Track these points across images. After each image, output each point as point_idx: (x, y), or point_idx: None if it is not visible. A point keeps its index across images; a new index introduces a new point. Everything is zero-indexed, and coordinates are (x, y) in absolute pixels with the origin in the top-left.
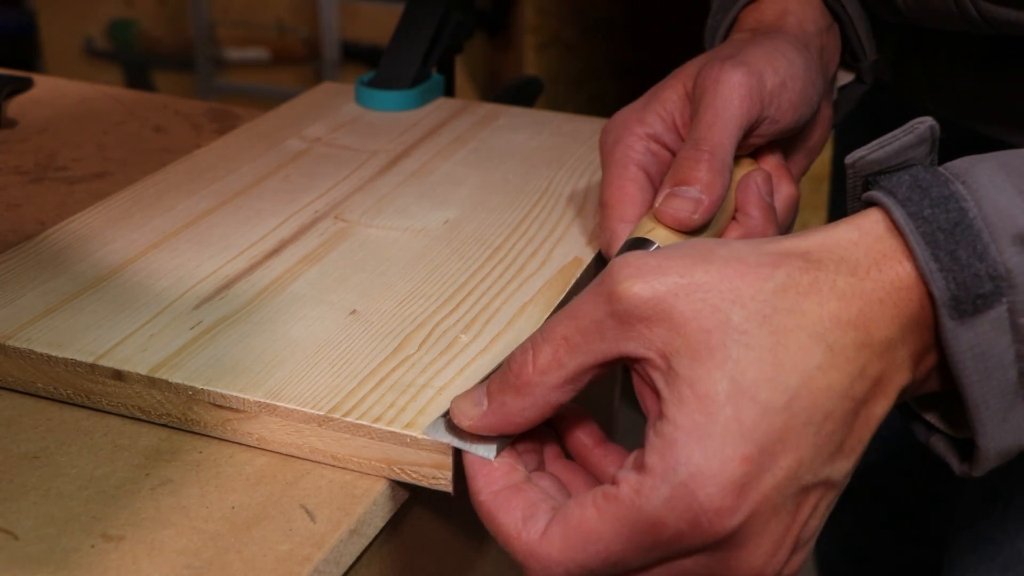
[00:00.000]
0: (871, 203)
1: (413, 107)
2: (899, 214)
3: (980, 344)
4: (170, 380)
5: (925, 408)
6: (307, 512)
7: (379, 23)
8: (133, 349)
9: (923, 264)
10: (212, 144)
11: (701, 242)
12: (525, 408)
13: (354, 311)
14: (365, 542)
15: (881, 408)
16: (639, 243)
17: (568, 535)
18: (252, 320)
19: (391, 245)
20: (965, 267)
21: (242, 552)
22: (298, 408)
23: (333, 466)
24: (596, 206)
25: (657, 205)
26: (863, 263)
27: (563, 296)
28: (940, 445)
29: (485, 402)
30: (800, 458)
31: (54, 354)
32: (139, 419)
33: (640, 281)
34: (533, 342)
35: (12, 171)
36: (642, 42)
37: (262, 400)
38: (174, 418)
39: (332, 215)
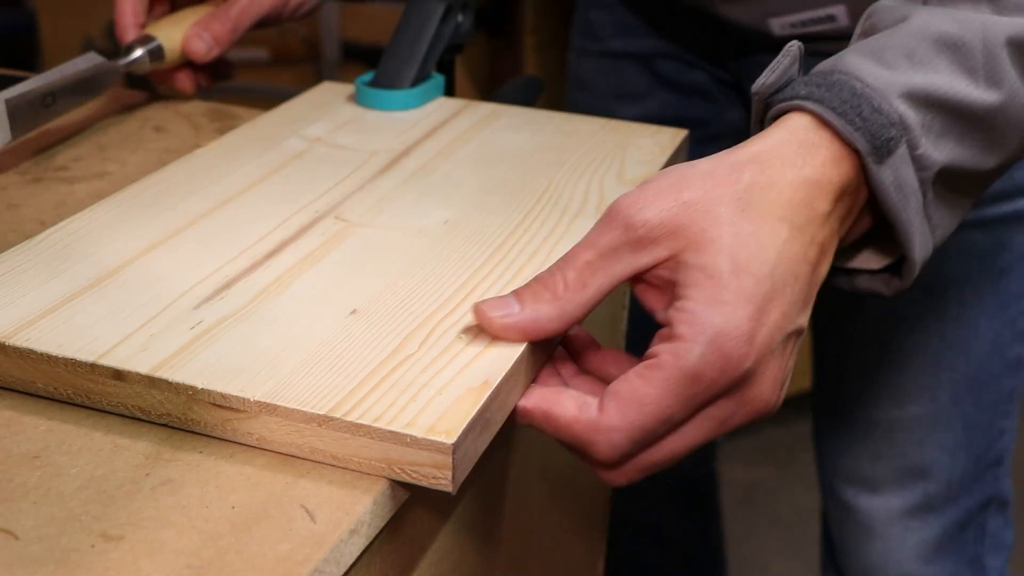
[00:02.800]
0: (779, 115)
1: (413, 107)
2: (813, 106)
3: (897, 178)
4: (170, 380)
5: (847, 260)
6: (307, 512)
7: (379, 23)
8: (133, 349)
9: (843, 130)
10: (212, 144)
11: (677, 168)
12: (553, 319)
13: (354, 311)
14: (365, 542)
15: (825, 268)
16: (149, 38)
17: (623, 405)
18: (252, 320)
19: (391, 245)
20: (870, 121)
21: (242, 552)
22: (298, 408)
23: (333, 466)
24: (597, 206)
25: (185, 37)
26: (799, 156)
27: None
28: (864, 282)
29: (516, 307)
30: (784, 312)
31: (54, 354)
32: (139, 419)
33: (648, 208)
34: (560, 267)
35: (12, 171)
36: None
37: (262, 400)
38: (174, 418)
39: (332, 215)
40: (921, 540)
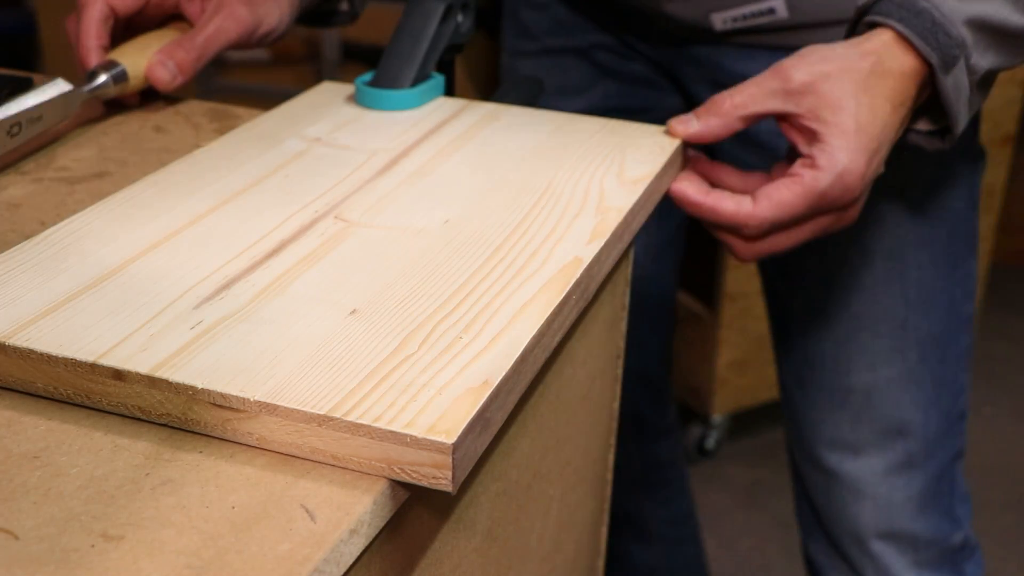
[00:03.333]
0: (874, 25)
1: (413, 107)
2: (902, 29)
3: (956, 82)
4: (170, 380)
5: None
6: (307, 512)
7: (379, 23)
8: (133, 349)
9: (922, 50)
10: (212, 144)
11: (823, 48)
12: (719, 127)
13: (354, 311)
14: (365, 542)
15: (900, 133)
16: (113, 64)
17: (771, 204)
18: (252, 320)
19: (391, 245)
20: (943, 43)
21: (242, 552)
22: (298, 408)
23: (333, 466)
24: (596, 206)
25: (149, 65)
26: (895, 59)
27: (563, 295)
28: (913, 137)
29: (694, 120)
30: (879, 163)
31: (54, 354)
32: (139, 419)
33: (801, 70)
34: (729, 93)
35: (12, 171)
36: None
37: (262, 400)
38: (174, 418)
39: (332, 215)
40: (907, 497)
